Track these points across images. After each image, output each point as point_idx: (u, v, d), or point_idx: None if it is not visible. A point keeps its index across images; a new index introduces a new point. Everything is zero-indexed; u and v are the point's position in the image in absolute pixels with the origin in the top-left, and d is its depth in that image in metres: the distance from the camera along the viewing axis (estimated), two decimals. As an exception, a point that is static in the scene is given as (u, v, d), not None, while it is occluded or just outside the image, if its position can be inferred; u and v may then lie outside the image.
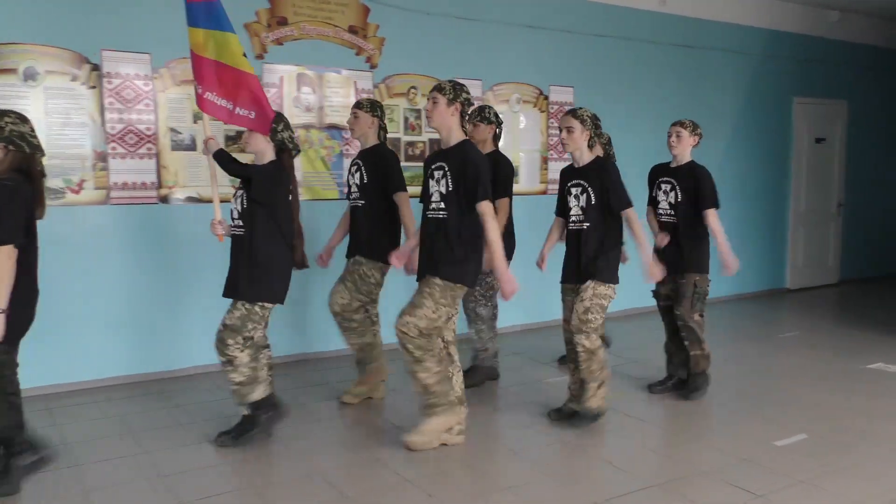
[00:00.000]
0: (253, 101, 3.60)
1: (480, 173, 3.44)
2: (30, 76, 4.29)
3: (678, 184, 4.33)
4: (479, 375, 4.70)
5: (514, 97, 6.13)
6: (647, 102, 6.77)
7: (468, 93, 3.57)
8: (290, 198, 3.63)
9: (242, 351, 3.54)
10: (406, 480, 3.25)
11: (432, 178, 3.59)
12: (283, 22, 5.07)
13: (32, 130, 3.13)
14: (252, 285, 3.54)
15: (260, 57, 4.99)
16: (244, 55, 3.66)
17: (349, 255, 4.27)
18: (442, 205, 3.53)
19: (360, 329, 4.23)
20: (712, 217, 4.22)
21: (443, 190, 3.52)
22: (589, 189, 3.85)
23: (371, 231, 4.14)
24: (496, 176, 4.07)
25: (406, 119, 5.63)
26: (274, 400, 3.70)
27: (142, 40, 4.60)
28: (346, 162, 5.32)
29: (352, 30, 5.34)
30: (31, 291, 3.11)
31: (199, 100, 3.69)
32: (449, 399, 3.57)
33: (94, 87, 4.49)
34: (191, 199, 4.83)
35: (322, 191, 5.32)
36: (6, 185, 2.97)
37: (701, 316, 4.37)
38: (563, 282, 4.02)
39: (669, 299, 4.42)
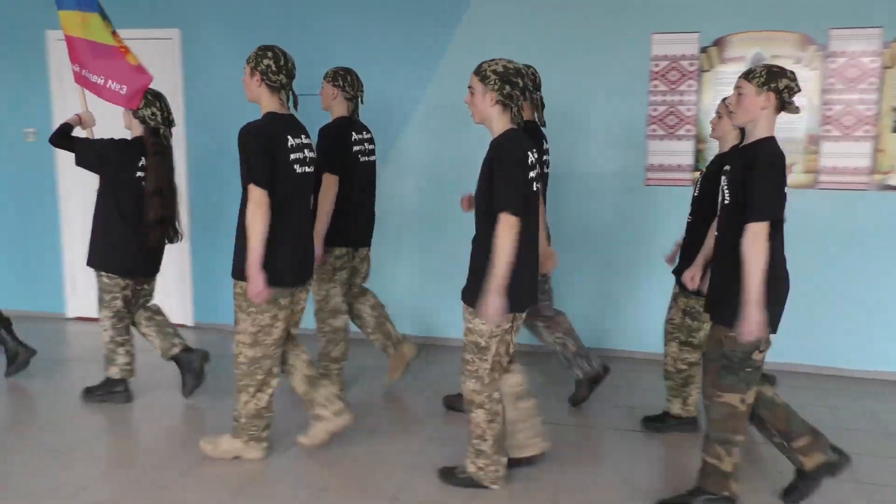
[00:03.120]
0: (124, 77, 3.86)
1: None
2: (756, 62, 4.48)
3: (728, 175, 2.77)
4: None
5: None
6: None
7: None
8: (140, 175, 3.78)
9: (106, 329, 3.90)
10: None
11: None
12: None
13: None
14: (93, 253, 3.86)
15: None
16: (113, 33, 3.97)
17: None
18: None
19: None
20: (749, 236, 2.57)
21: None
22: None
23: None
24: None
25: None
26: (120, 385, 3.97)
27: (878, 14, 4.27)
28: None
29: None
30: None
31: (76, 76, 4.02)
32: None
33: (815, 70, 4.40)
34: (908, 187, 4.35)
35: None
36: None
37: (741, 401, 2.75)
38: None
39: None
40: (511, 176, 2.78)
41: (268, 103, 3.13)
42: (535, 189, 2.92)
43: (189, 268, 5.47)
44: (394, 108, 4.93)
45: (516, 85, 2.81)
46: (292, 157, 3.09)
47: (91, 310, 5.06)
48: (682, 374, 3.64)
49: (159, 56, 5.13)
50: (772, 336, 2.74)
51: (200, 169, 5.34)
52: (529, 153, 2.86)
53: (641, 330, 4.74)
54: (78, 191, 5.39)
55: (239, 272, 3.10)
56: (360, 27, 4.96)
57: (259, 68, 3.07)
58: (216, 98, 5.20)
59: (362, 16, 4.95)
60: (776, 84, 2.65)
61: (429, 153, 4.99)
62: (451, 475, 3.16)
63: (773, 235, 2.61)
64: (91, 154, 3.84)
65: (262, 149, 2.99)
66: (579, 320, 4.18)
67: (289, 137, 3.08)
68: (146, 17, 5.22)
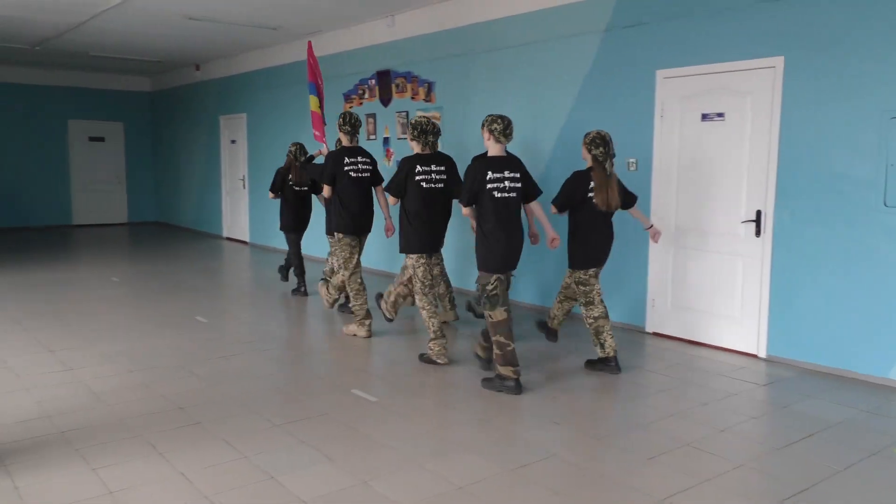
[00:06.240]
0: (320, 128, 7.27)
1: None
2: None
3: None
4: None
5: None
6: None
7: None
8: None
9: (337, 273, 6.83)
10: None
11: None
12: None
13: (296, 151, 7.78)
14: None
15: None
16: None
17: None
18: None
19: None
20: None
21: None
22: None
23: None
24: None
25: None
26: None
27: None
28: None
29: None
30: None
31: (315, 137, 7.30)
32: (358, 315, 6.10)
33: None
34: None
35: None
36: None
37: (489, 316, 4.71)
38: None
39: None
40: (397, 174, 5.38)
41: (343, 141, 6.25)
42: (426, 187, 5.37)
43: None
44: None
45: (419, 129, 5.42)
46: (346, 168, 6.09)
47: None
48: (592, 326, 5.17)
49: (752, 84, 5.38)
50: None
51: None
52: (420, 166, 5.35)
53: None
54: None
55: (331, 230, 6.64)
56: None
57: (337, 122, 6.23)
58: (812, 129, 5.13)
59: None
60: (488, 126, 4.78)
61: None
62: (422, 356, 5.47)
63: (481, 212, 4.66)
64: (318, 171, 7.15)
65: (330, 164, 6.05)
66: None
67: (345, 158, 6.09)
68: (749, 49, 5.38)
